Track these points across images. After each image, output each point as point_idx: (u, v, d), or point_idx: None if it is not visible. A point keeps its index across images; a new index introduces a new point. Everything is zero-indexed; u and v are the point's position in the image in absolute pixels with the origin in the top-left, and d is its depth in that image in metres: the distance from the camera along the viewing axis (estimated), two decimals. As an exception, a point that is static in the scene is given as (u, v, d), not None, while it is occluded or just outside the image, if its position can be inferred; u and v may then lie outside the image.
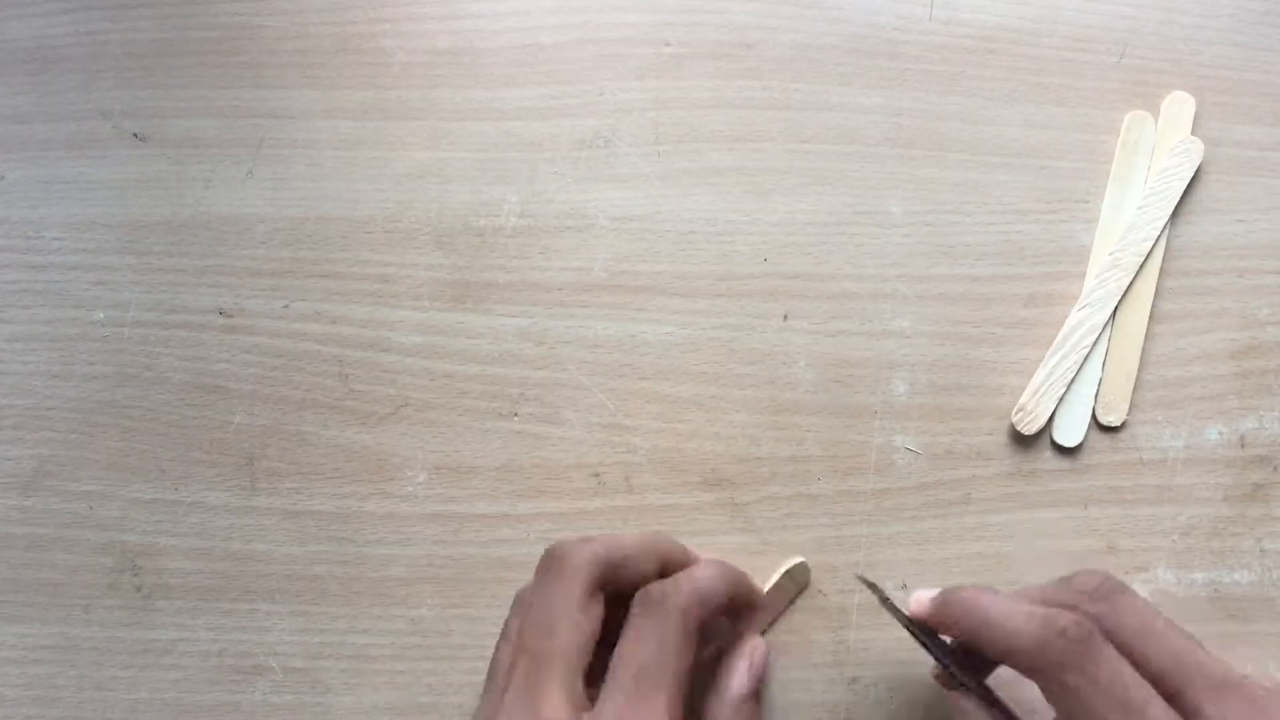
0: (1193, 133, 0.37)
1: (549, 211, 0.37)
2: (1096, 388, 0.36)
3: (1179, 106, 0.37)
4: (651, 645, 0.29)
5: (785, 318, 0.37)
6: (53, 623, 0.36)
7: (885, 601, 0.32)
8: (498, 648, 0.31)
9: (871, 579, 0.33)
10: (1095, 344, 0.36)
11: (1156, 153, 0.37)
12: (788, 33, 0.38)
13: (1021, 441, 0.36)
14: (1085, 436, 0.36)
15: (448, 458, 0.36)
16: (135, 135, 0.38)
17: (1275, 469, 0.36)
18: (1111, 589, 0.29)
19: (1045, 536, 0.35)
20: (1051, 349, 0.36)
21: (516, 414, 0.36)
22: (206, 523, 0.36)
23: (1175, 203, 0.36)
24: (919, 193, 0.37)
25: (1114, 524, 0.35)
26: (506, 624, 0.31)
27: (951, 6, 0.38)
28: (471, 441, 0.36)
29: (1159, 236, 0.36)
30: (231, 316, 0.37)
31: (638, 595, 0.30)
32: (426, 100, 0.38)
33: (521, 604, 0.31)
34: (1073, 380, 0.36)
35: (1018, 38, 0.38)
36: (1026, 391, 0.36)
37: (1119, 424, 0.36)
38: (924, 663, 0.34)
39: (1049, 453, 0.36)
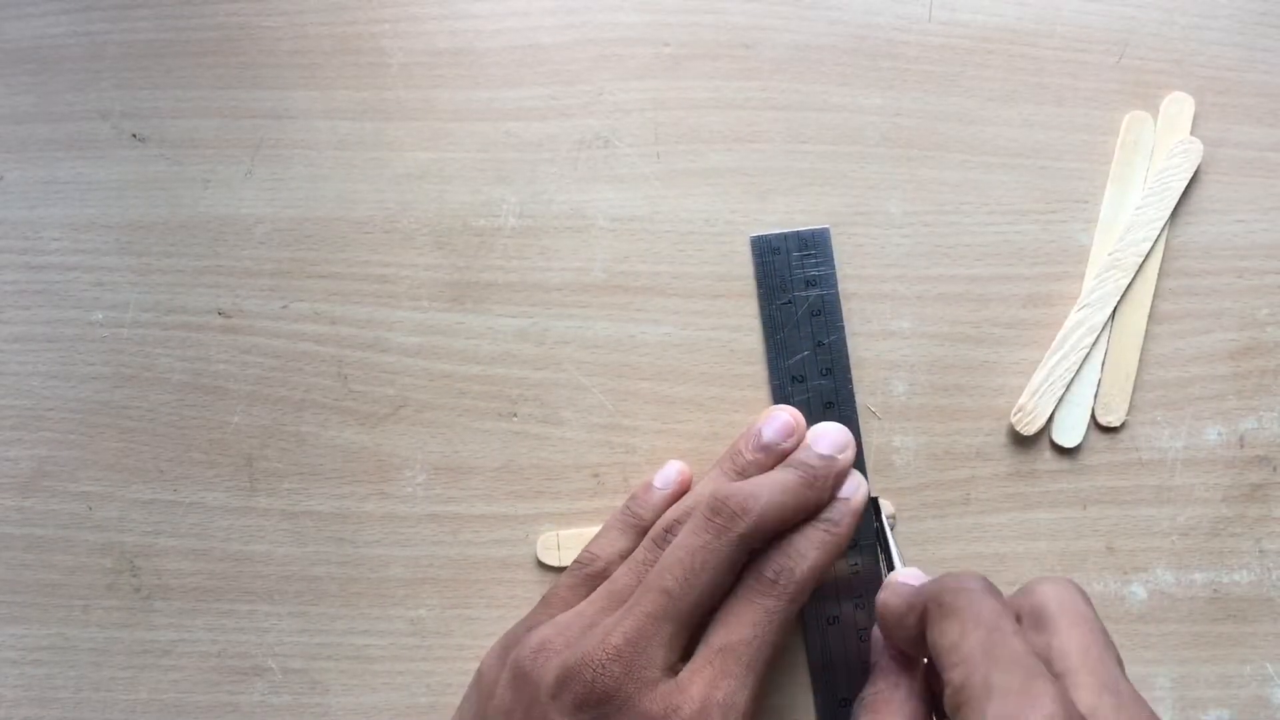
0: (1192, 133, 0.37)
1: (548, 212, 0.37)
2: (1096, 388, 0.36)
3: (1178, 107, 0.37)
4: (760, 627, 0.29)
5: (784, 318, 0.37)
6: (51, 623, 0.36)
7: (880, 531, 0.34)
8: (621, 569, 0.32)
9: (887, 513, 0.35)
10: (1094, 344, 0.36)
11: (1156, 153, 0.37)
12: (787, 33, 0.38)
13: (1021, 442, 0.36)
14: (1084, 437, 0.36)
15: (447, 458, 0.36)
16: (134, 135, 0.38)
17: (1274, 469, 0.36)
18: (1063, 584, 0.29)
19: (1044, 537, 0.35)
20: (1051, 349, 0.36)
21: (516, 414, 0.36)
22: (205, 523, 0.36)
23: (1174, 203, 0.36)
24: (918, 193, 0.37)
25: (1113, 524, 0.35)
26: (611, 532, 0.34)
27: (951, 7, 0.38)
28: (471, 442, 0.36)
29: (1158, 237, 0.36)
30: (230, 317, 0.37)
31: (753, 571, 0.30)
32: (426, 100, 0.38)
33: (641, 522, 0.33)
34: (1072, 380, 0.36)
35: (1017, 38, 0.38)
36: (1026, 392, 0.36)
37: (1118, 424, 0.36)
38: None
39: (1048, 453, 0.36)
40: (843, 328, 0.36)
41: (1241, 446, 0.36)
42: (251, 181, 0.38)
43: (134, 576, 0.36)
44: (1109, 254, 0.36)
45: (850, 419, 0.35)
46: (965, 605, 0.27)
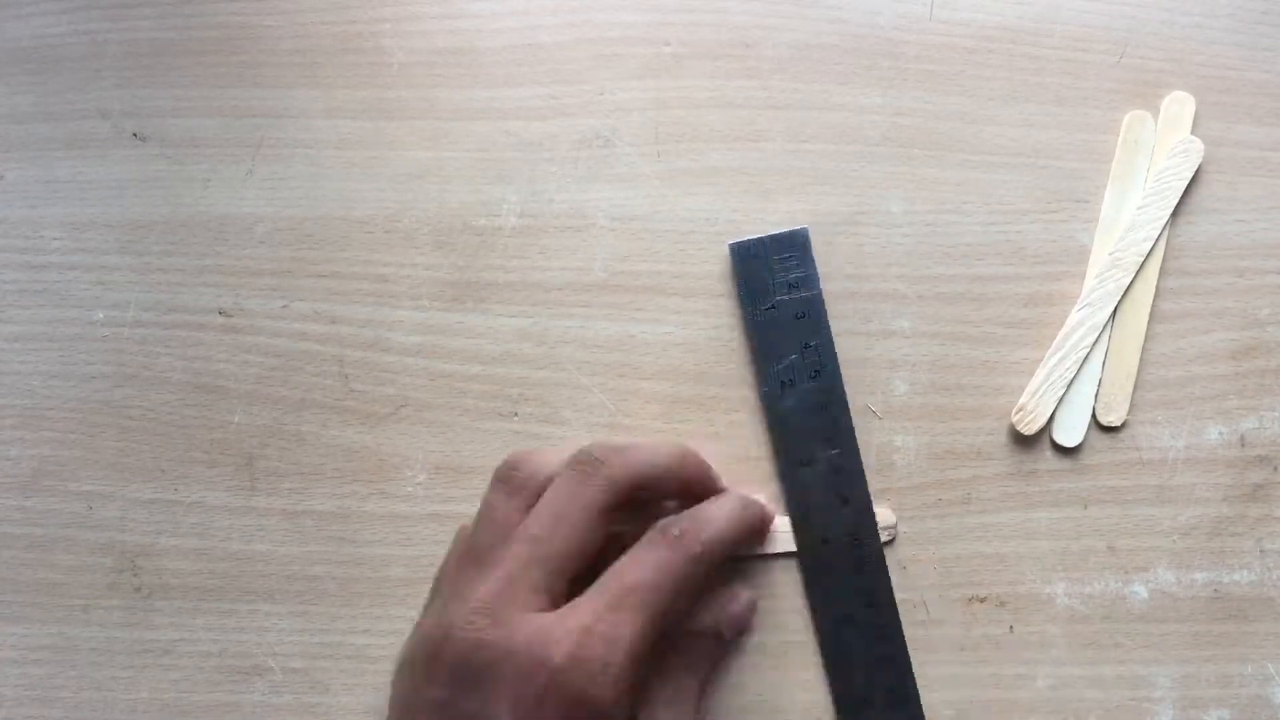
0: (1193, 132, 0.37)
1: (549, 211, 0.37)
2: (1096, 388, 0.36)
3: (1179, 106, 0.37)
4: (652, 572, 0.29)
5: (785, 318, 0.37)
6: (52, 623, 0.36)
7: None
8: (477, 525, 0.31)
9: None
10: (1095, 344, 0.36)
11: (1156, 152, 0.37)
12: (787, 32, 0.38)
13: (1021, 441, 0.36)
14: (1085, 436, 0.36)
15: (448, 458, 0.36)
16: (134, 135, 0.38)
17: (1275, 469, 0.36)
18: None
19: (1045, 536, 0.35)
20: (1051, 349, 0.36)
21: (516, 414, 0.36)
22: (206, 523, 0.36)
23: (1175, 202, 0.36)
24: (919, 193, 0.37)
25: (1114, 524, 0.35)
26: (490, 504, 0.31)
27: (951, 6, 0.38)
28: (471, 441, 0.36)
29: (1159, 236, 0.36)
30: (231, 316, 0.37)
31: (656, 526, 0.30)
32: (426, 100, 0.38)
33: (518, 488, 0.31)
34: (1073, 380, 0.36)
35: (1018, 38, 0.38)
36: (1026, 391, 0.36)
37: (1119, 424, 0.36)
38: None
39: (1049, 453, 0.36)
40: (829, 328, 0.36)
41: (1242, 446, 0.36)
42: (252, 181, 0.38)
43: (134, 576, 0.36)
44: (1110, 253, 0.36)
45: (842, 419, 0.35)
46: None
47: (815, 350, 0.35)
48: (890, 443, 0.36)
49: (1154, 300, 0.36)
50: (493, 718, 0.27)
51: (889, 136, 0.37)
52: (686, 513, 0.31)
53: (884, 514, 0.35)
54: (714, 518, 0.31)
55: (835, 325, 0.36)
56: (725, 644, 0.34)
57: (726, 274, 0.37)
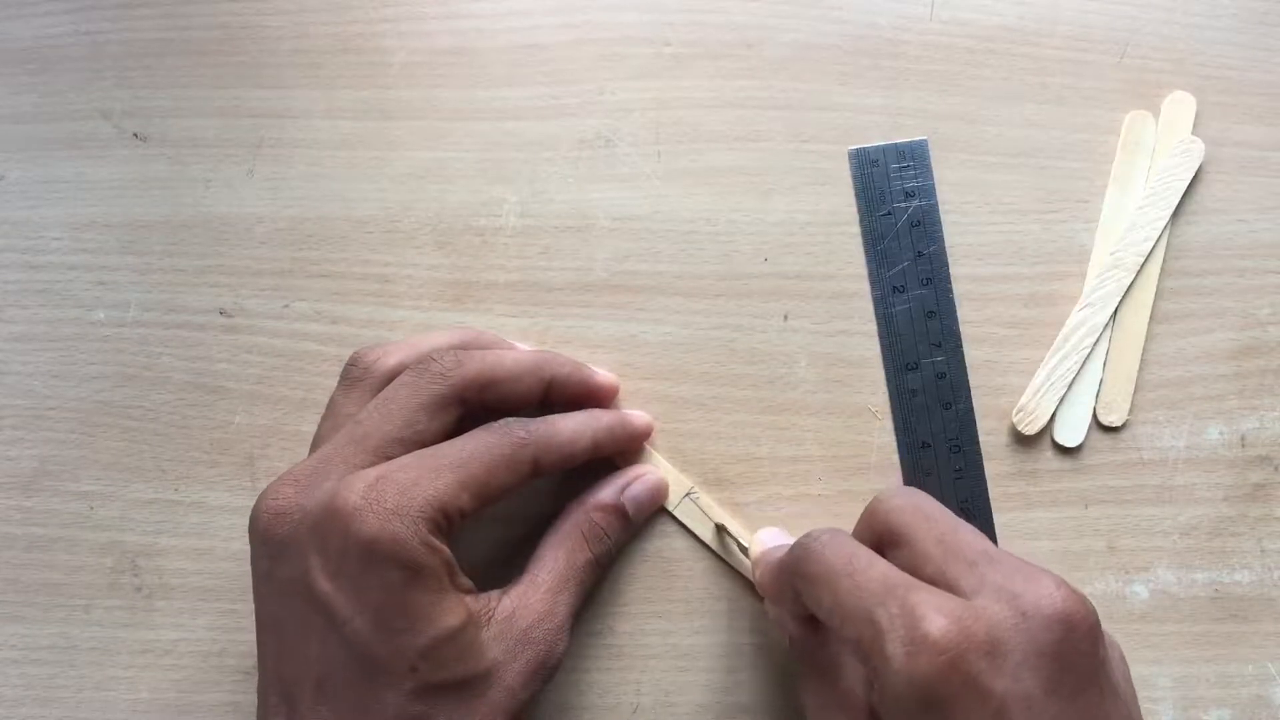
0: (1193, 132, 0.37)
1: (549, 211, 0.37)
2: (1097, 388, 0.36)
3: (1179, 106, 0.37)
4: (470, 444, 0.29)
5: (785, 318, 0.36)
6: (53, 623, 0.36)
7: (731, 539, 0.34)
8: (321, 419, 0.31)
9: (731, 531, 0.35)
10: (1096, 344, 0.36)
11: (1157, 152, 0.37)
12: (788, 33, 0.38)
13: (1022, 441, 0.36)
14: (1086, 436, 0.36)
15: (448, 458, 0.36)
16: (135, 135, 0.38)
17: (1276, 469, 0.36)
18: (901, 495, 0.29)
19: (1045, 536, 0.35)
20: (1052, 349, 0.36)
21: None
22: (206, 523, 0.36)
23: (1176, 203, 0.36)
24: (919, 192, 0.37)
25: (1114, 524, 0.35)
26: (331, 399, 0.32)
27: (951, 6, 0.38)
28: (472, 441, 0.36)
29: (1159, 236, 0.36)
30: (232, 316, 0.37)
31: (498, 421, 0.30)
32: (427, 99, 0.38)
33: (355, 381, 0.31)
34: (1073, 380, 0.36)
35: (1018, 38, 0.38)
36: (1027, 391, 0.36)
37: (1120, 424, 0.36)
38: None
39: (1050, 453, 0.36)
40: (942, 238, 0.36)
41: (1243, 446, 0.36)
42: (253, 181, 0.38)
43: (135, 576, 0.36)
44: (1110, 254, 0.36)
45: (951, 328, 0.36)
46: (818, 568, 0.27)
47: (928, 259, 0.36)
48: (891, 442, 0.36)
49: (1155, 300, 0.36)
50: (306, 577, 0.27)
51: (889, 136, 0.37)
52: (528, 418, 0.31)
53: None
54: (552, 420, 0.31)
55: (835, 325, 0.36)
56: (629, 522, 0.34)
57: (728, 273, 0.37)
